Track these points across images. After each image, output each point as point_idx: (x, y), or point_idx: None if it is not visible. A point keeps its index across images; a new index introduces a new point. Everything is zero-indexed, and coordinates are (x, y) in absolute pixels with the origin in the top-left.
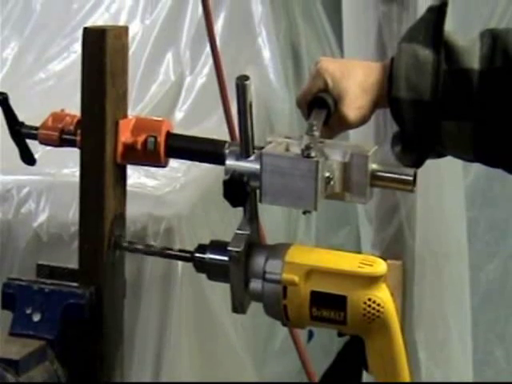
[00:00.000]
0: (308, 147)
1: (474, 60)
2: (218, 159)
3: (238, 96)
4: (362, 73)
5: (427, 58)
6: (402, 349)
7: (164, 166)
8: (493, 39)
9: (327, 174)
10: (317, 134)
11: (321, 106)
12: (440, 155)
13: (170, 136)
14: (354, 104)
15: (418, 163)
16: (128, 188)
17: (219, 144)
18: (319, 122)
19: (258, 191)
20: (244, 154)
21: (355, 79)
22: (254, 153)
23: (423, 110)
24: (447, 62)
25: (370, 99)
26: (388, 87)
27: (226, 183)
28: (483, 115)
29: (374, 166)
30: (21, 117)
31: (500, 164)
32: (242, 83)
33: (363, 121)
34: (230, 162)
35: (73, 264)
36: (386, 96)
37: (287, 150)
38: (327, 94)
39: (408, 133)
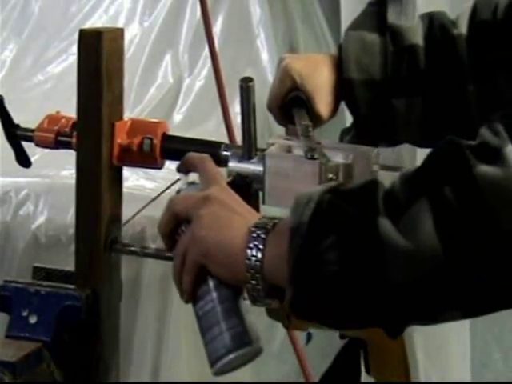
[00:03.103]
0: (311, 149)
1: (418, 37)
2: (214, 160)
3: (241, 98)
4: (327, 68)
5: (374, 40)
6: (403, 350)
7: (160, 168)
8: (430, 18)
9: (330, 176)
10: (312, 134)
11: (297, 105)
12: (391, 143)
13: (165, 138)
14: (325, 99)
15: None
16: (127, 190)
17: (215, 145)
18: (309, 122)
19: (260, 193)
20: (247, 155)
21: (323, 75)
22: (256, 155)
23: (375, 90)
24: (393, 43)
25: (337, 93)
26: (339, 70)
27: (228, 185)
28: (430, 90)
29: (375, 168)
30: (19, 119)
31: None
32: (245, 85)
33: (332, 116)
34: (232, 164)
35: (71, 266)
36: (338, 79)
37: (289, 151)
38: (300, 92)
39: (361, 114)
